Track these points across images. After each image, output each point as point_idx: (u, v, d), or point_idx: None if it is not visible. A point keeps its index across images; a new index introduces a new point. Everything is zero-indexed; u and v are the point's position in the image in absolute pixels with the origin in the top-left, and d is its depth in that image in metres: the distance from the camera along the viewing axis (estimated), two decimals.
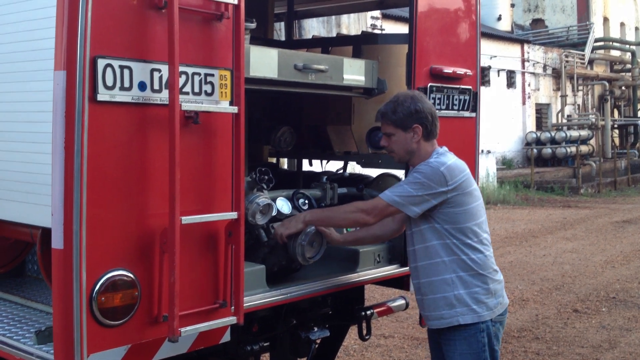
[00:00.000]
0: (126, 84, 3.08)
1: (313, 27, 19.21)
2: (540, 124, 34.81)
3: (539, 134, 31.86)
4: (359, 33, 20.57)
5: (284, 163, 6.75)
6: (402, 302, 5.24)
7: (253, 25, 3.99)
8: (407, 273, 4.65)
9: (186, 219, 3.18)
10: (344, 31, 20.29)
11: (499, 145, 29.80)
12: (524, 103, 33.45)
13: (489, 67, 30.34)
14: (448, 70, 4.77)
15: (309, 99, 5.45)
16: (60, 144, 2.93)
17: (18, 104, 3.30)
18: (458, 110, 4.96)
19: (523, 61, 33.43)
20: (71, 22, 2.93)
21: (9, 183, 3.37)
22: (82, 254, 2.90)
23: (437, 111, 4.70)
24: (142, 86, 3.15)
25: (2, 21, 3.38)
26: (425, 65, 4.67)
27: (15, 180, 3.33)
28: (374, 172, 5.45)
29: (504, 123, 30.83)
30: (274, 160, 6.18)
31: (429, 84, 4.68)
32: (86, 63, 2.94)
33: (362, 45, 5.31)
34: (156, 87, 3.19)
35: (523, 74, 33.36)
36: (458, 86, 4.92)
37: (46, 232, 3.16)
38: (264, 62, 4.06)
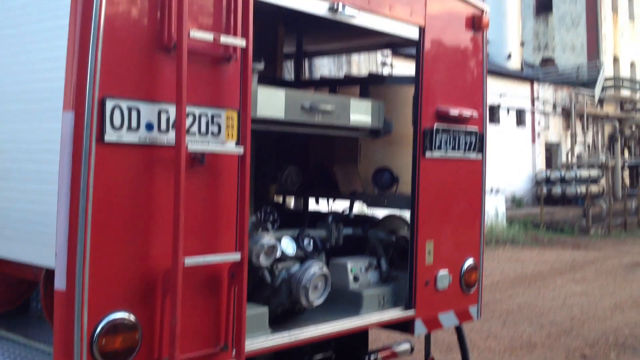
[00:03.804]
0: (134, 125, 3.11)
1: (324, 64, 19.35)
2: (550, 162, 34.74)
3: (548, 173, 31.79)
4: (369, 69, 20.72)
5: (291, 202, 6.75)
6: (407, 346, 5.18)
7: (261, 67, 4.03)
8: (413, 317, 4.61)
9: (189, 261, 3.17)
10: (354, 67, 20.44)
11: (508, 184, 29.72)
12: (533, 141, 33.45)
13: (499, 105, 30.42)
14: (454, 111, 4.79)
15: (316, 138, 5.47)
16: (67, 185, 2.95)
17: (26, 144, 3.33)
18: (464, 151, 4.96)
19: (533, 99, 33.51)
20: (81, 63, 2.97)
21: (14, 222, 3.38)
22: (85, 295, 2.90)
23: (444, 152, 4.76)
24: (149, 127, 3.17)
25: (13, 61, 3.43)
26: (432, 106, 4.70)
27: (20, 220, 3.34)
28: (381, 213, 5.45)
29: (513, 161, 30.78)
30: (280, 199, 6.18)
31: (435, 125, 4.69)
32: (94, 104, 2.97)
33: (369, 85, 5.35)
34: (163, 127, 3.22)
35: (533, 112, 33.42)
36: (464, 127, 4.93)
37: (50, 273, 3.15)
38: (271, 103, 4.10)
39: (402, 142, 5.05)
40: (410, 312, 4.60)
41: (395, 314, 4.59)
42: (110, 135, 3.02)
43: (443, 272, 4.78)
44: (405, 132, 4.93)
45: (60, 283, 2.91)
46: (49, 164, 3.10)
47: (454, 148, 4.86)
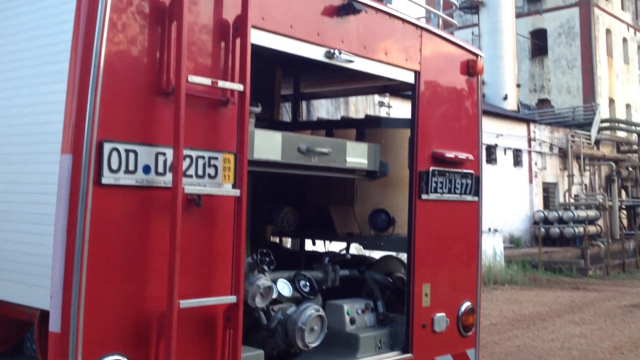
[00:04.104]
0: (131, 167, 3.14)
1: (322, 104, 19.50)
2: (547, 203, 34.79)
3: (546, 213, 31.80)
4: (367, 109, 20.89)
5: (288, 242, 6.75)
6: None
7: (258, 110, 4.09)
8: None
9: (184, 303, 3.17)
10: (352, 107, 20.60)
11: (506, 224, 29.70)
12: (530, 182, 33.54)
13: (496, 146, 30.58)
14: (450, 154, 4.83)
15: (313, 180, 5.51)
16: (63, 227, 2.97)
17: (22, 185, 3.36)
18: (460, 194, 4.99)
19: (529, 140, 33.71)
20: (79, 107, 3.02)
21: (9, 263, 3.38)
22: (79, 338, 2.89)
23: (440, 194, 4.79)
24: (146, 169, 3.20)
25: (11, 104, 3.47)
26: (427, 149, 4.74)
27: (15, 261, 3.34)
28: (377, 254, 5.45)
29: (511, 201, 30.81)
30: (276, 239, 6.19)
31: (431, 168, 4.73)
32: (92, 147, 3.00)
33: (366, 128, 5.41)
34: (160, 170, 3.24)
35: (529, 152, 33.60)
36: (460, 170, 4.97)
37: (44, 314, 3.14)
38: (268, 145, 4.14)
39: (399, 184, 5.09)
40: (407, 356, 4.57)
41: (392, 357, 4.55)
42: (107, 178, 3.05)
43: (440, 315, 4.76)
44: (401, 174, 4.97)
45: (54, 325, 2.91)
46: (45, 206, 3.12)
47: (450, 190, 4.89)
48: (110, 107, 3.07)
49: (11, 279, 3.35)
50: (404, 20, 4.63)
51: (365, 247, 5.42)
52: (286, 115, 6.67)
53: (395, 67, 4.56)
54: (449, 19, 5.72)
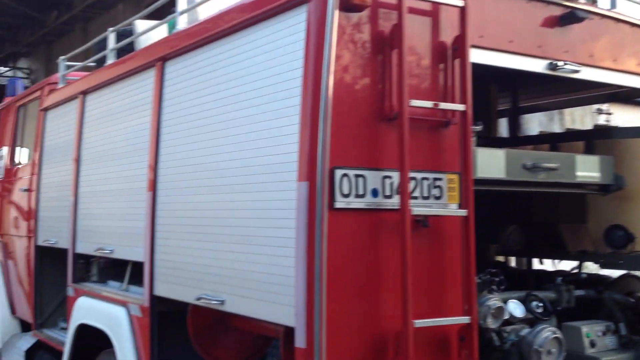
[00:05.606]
0: (360, 192, 3.28)
1: (534, 116, 18.61)
2: None
3: None
4: (584, 119, 19.59)
5: (511, 261, 6.55)
6: None
7: (479, 128, 4.05)
8: None
9: (419, 323, 3.21)
10: (567, 117, 19.47)
11: None
12: None
13: None
14: None
15: (538, 196, 5.29)
16: (303, 248, 3.18)
17: (265, 212, 3.64)
18: None
19: None
20: (312, 137, 3.23)
21: (255, 283, 3.67)
22: (323, 353, 3.06)
23: None
24: (374, 193, 3.33)
25: (254, 138, 3.79)
26: None
27: (260, 281, 3.62)
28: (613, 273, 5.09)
29: None
30: (501, 258, 6.03)
31: None
32: (325, 174, 3.19)
33: (595, 140, 5.11)
34: (387, 193, 3.35)
35: None
36: None
37: (288, 330, 3.37)
38: (491, 163, 4.08)
39: (637, 197, 4.73)
40: None
41: None
42: (340, 202, 3.22)
43: None
44: (638, 187, 4.62)
45: (300, 341, 3.11)
46: (286, 230, 3.36)
47: None
48: (339, 135, 3.25)
49: (256, 297, 3.63)
50: (632, 24, 4.34)
51: (602, 266, 5.08)
52: (503, 132, 6.51)
53: (627, 73, 4.27)
54: None
